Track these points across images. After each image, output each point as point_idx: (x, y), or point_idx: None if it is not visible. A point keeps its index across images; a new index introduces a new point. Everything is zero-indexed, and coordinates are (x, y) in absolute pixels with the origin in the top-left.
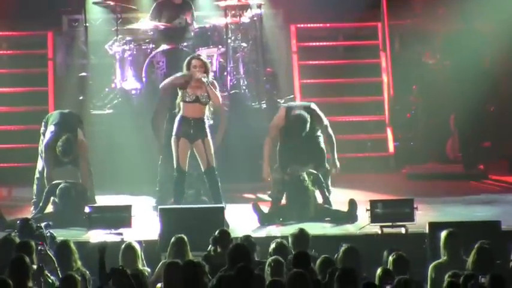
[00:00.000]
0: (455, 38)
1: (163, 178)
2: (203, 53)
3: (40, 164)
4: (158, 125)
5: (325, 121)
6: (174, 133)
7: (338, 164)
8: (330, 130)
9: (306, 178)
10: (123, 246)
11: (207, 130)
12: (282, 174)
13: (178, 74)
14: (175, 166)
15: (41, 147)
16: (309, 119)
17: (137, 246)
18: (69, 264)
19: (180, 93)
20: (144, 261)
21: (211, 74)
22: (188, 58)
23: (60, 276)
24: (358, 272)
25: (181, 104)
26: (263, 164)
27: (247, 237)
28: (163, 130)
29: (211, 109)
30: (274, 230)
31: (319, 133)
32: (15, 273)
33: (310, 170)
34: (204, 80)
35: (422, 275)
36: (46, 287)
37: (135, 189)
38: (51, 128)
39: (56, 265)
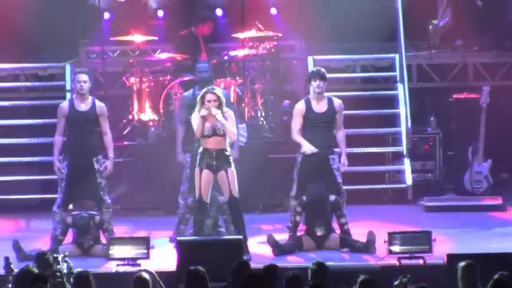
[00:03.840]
0: None
1: (182, 209)
2: (221, 84)
3: (59, 195)
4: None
5: (342, 112)
6: (197, 165)
7: (346, 162)
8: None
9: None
10: (134, 277)
11: (231, 160)
12: (299, 199)
13: (195, 115)
14: (196, 197)
15: None
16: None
17: (148, 277)
18: None
19: None
20: None
21: (225, 108)
22: (202, 92)
23: None
24: None
25: (200, 139)
26: (302, 143)
27: (270, 267)
28: (186, 162)
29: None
30: (290, 262)
31: (335, 165)
32: None
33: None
34: (218, 117)
35: None
36: None
37: (154, 220)
38: None
39: None
